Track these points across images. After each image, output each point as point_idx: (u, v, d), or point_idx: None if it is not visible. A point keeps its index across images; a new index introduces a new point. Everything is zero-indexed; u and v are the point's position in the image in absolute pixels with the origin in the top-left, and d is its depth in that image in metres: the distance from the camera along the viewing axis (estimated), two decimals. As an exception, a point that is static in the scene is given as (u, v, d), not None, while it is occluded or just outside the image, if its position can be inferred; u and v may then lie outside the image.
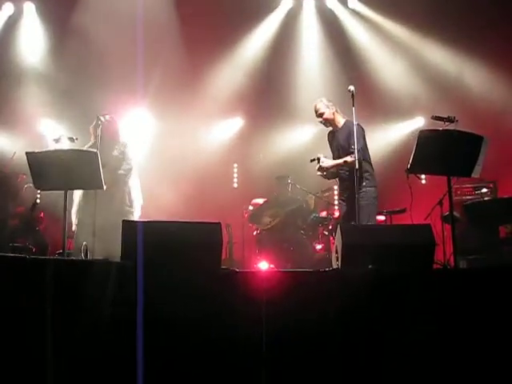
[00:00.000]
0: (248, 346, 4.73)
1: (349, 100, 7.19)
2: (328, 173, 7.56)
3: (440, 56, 11.41)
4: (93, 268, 4.82)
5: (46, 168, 6.51)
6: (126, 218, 7.09)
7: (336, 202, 11.13)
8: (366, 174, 7.16)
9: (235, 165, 12.72)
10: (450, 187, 6.36)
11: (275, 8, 11.96)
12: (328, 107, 7.52)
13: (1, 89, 11.35)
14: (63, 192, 6.63)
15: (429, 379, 4.78)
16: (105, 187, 6.81)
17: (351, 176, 7.20)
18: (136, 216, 7.94)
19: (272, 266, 9.62)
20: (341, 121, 7.52)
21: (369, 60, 11.76)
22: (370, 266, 5.08)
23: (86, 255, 6.79)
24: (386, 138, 11.66)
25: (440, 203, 8.60)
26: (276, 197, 10.76)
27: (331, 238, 9.61)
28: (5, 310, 4.49)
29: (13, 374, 4.43)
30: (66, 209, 6.57)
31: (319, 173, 7.55)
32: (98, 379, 4.58)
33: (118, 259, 5.23)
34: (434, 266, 5.69)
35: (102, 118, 7.65)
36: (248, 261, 10.64)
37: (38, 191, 9.52)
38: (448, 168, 6.28)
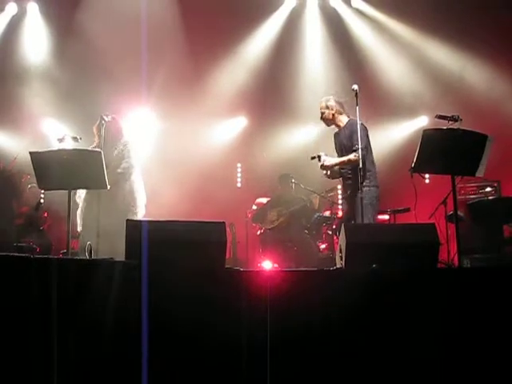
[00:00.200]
0: (252, 346, 4.73)
1: (352, 99, 7.19)
2: (332, 172, 7.55)
3: (444, 55, 11.39)
4: (97, 267, 4.82)
5: (50, 168, 6.52)
6: (128, 217, 7.10)
7: (340, 202, 11.16)
8: (367, 174, 7.09)
9: (239, 164, 12.72)
10: (454, 186, 6.35)
11: (278, 7, 11.95)
12: (328, 107, 7.50)
13: (4, 88, 11.36)
14: (67, 192, 6.64)
15: (433, 378, 4.77)
16: (109, 187, 6.82)
17: (353, 175, 7.22)
18: (140, 215, 7.92)
19: (276, 265, 9.63)
20: (344, 120, 7.49)
21: (372, 59, 11.75)
22: (374, 266, 5.07)
23: (90, 255, 6.79)
24: (390, 137, 11.65)
25: (444, 202, 8.60)
26: (280, 196, 10.76)
27: (335, 238, 9.60)
28: (9, 310, 4.50)
29: (18, 374, 4.44)
30: (69, 208, 6.57)
31: (324, 172, 7.56)
32: (103, 378, 4.58)
33: (122, 258, 5.23)
34: (438, 266, 5.69)
35: (105, 118, 7.64)
36: (252, 260, 10.65)
37: (42, 191, 9.54)
38: (452, 167, 6.28)
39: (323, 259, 9.78)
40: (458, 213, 6.62)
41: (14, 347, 4.45)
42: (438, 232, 5.55)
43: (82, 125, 9.63)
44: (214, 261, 5.10)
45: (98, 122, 7.73)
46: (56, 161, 6.55)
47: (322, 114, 7.56)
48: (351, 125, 7.27)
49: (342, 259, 5.46)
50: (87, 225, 7.68)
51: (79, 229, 7.83)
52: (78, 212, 7.83)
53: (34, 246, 9.55)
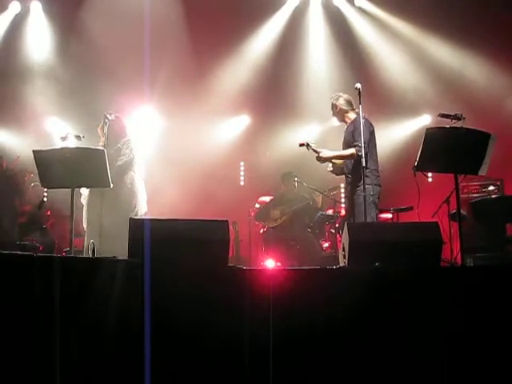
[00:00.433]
0: (255, 345, 4.73)
1: (356, 97, 7.20)
2: (335, 168, 7.56)
3: (447, 53, 11.39)
4: (100, 265, 4.82)
5: (53, 166, 6.52)
6: (129, 216, 7.12)
7: (343, 200, 11.16)
8: (366, 171, 7.04)
9: (242, 163, 12.73)
10: (457, 185, 6.35)
11: (281, 6, 11.95)
12: (336, 106, 7.56)
13: (8, 87, 11.37)
14: (70, 190, 6.65)
15: (436, 377, 4.77)
16: (112, 185, 6.83)
17: (352, 172, 7.24)
18: (140, 213, 7.91)
19: (279, 263, 9.63)
20: (351, 117, 7.48)
21: (375, 57, 11.75)
22: (376, 264, 5.07)
23: (93, 254, 6.80)
24: (393, 136, 11.65)
25: (447, 201, 8.59)
26: (283, 194, 10.76)
27: (338, 236, 9.60)
28: (12, 308, 4.50)
29: (20, 373, 4.44)
30: (72, 207, 6.58)
31: (329, 168, 7.58)
32: (105, 377, 4.58)
33: (124, 257, 5.24)
34: (442, 264, 5.68)
35: (108, 117, 7.64)
36: (255, 258, 10.65)
37: (45, 189, 9.55)
38: (455, 166, 6.27)
39: (326, 258, 9.78)
40: (461, 211, 6.61)
41: (16, 346, 4.45)
42: (441, 231, 5.54)
43: (85, 123, 9.65)
44: (217, 259, 5.10)
45: (101, 123, 7.73)
46: (59, 159, 6.55)
47: (332, 111, 7.62)
48: (356, 121, 7.27)
49: (344, 258, 5.46)
50: (90, 224, 7.70)
51: (85, 225, 7.83)
52: (84, 210, 7.84)
53: (37, 244, 9.58)
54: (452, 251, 8.26)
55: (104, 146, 7.25)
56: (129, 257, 5.11)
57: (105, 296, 4.62)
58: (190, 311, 4.67)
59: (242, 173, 12.75)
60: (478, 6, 10.62)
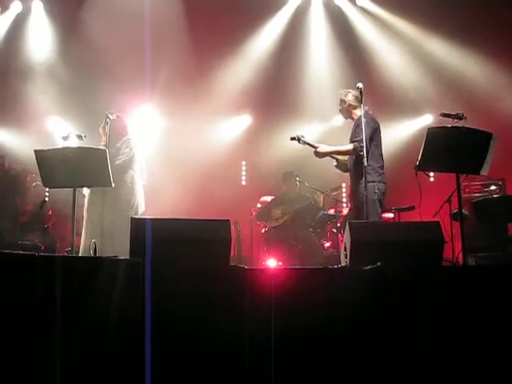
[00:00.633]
0: (256, 345, 4.72)
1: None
2: (340, 164, 7.51)
3: (449, 53, 11.38)
4: (101, 265, 4.82)
5: (55, 166, 6.52)
6: (129, 216, 7.13)
7: (344, 200, 11.17)
8: (368, 168, 6.97)
9: (243, 162, 12.74)
10: (458, 184, 6.34)
11: (283, 5, 11.94)
12: (344, 101, 7.50)
13: (9, 87, 11.38)
14: (71, 190, 6.65)
15: (438, 377, 4.77)
16: (113, 185, 6.83)
17: (354, 169, 7.22)
18: (140, 211, 7.89)
19: (280, 263, 9.62)
20: (358, 113, 7.37)
21: (377, 57, 11.75)
22: (378, 264, 5.06)
23: (95, 253, 6.80)
24: (395, 136, 11.65)
25: (449, 201, 8.59)
26: (284, 194, 10.76)
27: (340, 236, 9.60)
28: (14, 308, 4.50)
29: (21, 373, 4.44)
30: (74, 206, 6.58)
31: (334, 163, 7.55)
32: (105, 377, 4.58)
33: (125, 256, 5.24)
34: (443, 264, 5.68)
35: (110, 116, 7.64)
36: (256, 258, 10.65)
37: (47, 189, 9.55)
38: (457, 165, 6.26)
39: (328, 257, 9.78)
40: (463, 211, 6.61)
41: (17, 345, 4.45)
42: (443, 230, 5.55)
43: (87, 123, 9.66)
44: (219, 259, 5.10)
45: (103, 123, 7.72)
46: (60, 159, 6.55)
47: (340, 106, 7.59)
48: (360, 118, 7.20)
49: (346, 257, 5.46)
50: (92, 223, 7.68)
51: (84, 225, 7.82)
52: (84, 210, 7.84)
53: (39, 244, 9.58)
54: (454, 251, 8.26)
55: (106, 146, 7.25)
56: (130, 256, 5.11)
57: (106, 295, 4.62)
58: (191, 310, 4.67)
59: (243, 172, 12.76)
60: (479, 5, 10.61)
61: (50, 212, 10.44)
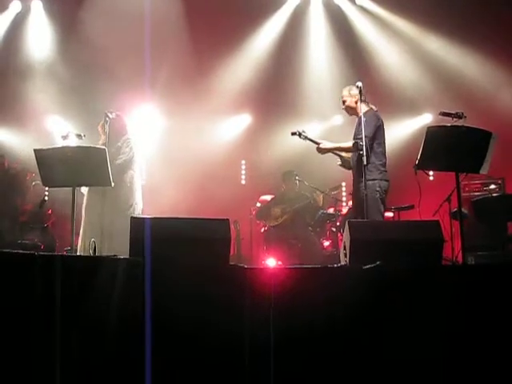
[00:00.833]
0: (255, 344, 4.72)
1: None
2: (345, 162, 7.48)
3: (448, 52, 11.39)
4: (101, 264, 4.82)
5: (54, 165, 6.52)
6: (126, 214, 7.14)
7: (344, 199, 11.17)
8: (370, 166, 6.97)
9: (243, 161, 12.75)
10: (458, 183, 6.35)
11: (282, 5, 11.95)
12: (351, 96, 7.41)
13: (9, 86, 11.39)
14: (71, 189, 6.65)
15: (438, 377, 4.77)
16: (113, 184, 6.83)
17: (355, 166, 7.20)
18: (138, 211, 7.89)
19: (280, 262, 9.62)
20: (363, 109, 7.26)
21: (376, 56, 11.76)
22: (378, 263, 5.06)
23: (94, 252, 6.80)
24: (394, 135, 11.63)
25: (448, 200, 8.60)
26: (284, 193, 10.76)
27: (339, 235, 9.61)
28: (13, 307, 4.50)
29: (21, 373, 4.44)
30: (74, 206, 6.58)
31: (338, 162, 7.53)
32: (105, 377, 4.58)
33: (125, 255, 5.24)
34: (443, 263, 5.68)
35: (109, 115, 7.63)
36: (256, 257, 10.66)
37: (46, 188, 9.55)
38: (456, 164, 6.27)
39: (327, 256, 9.80)
40: (462, 210, 6.61)
41: (17, 345, 4.45)
42: (443, 229, 5.54)
43: (86, 122, 9.66)
44: (218, 258, 5.10)
45: (102, 121, 7.72)
46: (60, 158, 6.55)
47: (344, 102, 7.49)
48: (365, 115, 7.18)
49: (346, 256, 5.46)
50: (91, 223, 7.67)
51: (82, 224, 7.82)
52: (83, 209, 7.83)
53: (38, 243, 9.57)
54: (453, 250, 8.26)
55: (105, 145, 7.24)
56: (130, 255, 5.11)
57: (106, 295, 4.61)
58: (191, 310, 4.67)
59: (243, 172, 12.76)
60: (478, 4, 10.62)
61: (50, 211, 10.44)
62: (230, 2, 11.36)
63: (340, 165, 7.58)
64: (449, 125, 6.28)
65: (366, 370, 4.75)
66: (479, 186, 10.31)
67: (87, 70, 11.08)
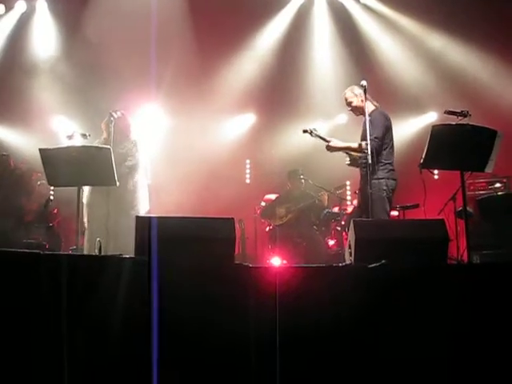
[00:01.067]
0: (261, 344, 4.72)
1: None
2: (353, 161, 7.43)
3: (452, 50, 11.37)
4: (106, 263, 4.83)
5: (59, 164, 6.55)
6: (132, 214, 7.15)
7: (349, 198, 11.16)
8: (378, 165, 6.97)
9: (248, 161, 12.74)
10: (463, 182, 6.34)
11: (287, 4, 11.95)
12: (356, 95, 7.36)
13: (14, 86, 11.39)
14: (76, 188, 6.66)
15: (443, 376, 4.76)
16: (118, 183, 6.84)
17: (364, 166, 7.18)
18: (142, 211, 7.89)
19: (285, 261, 9.63)
20: (370, 108, 7.26)
21: (380, 54, 11.75)
22: (383, 261, 5.06)
23: (99, 251, 6.81)
24: (399, 133, 11.60)
25: (453, 198, 8.58)
26: (288, 192, 10.77)
27: (344, 234, 9.60)
28: (19, 307, 4.51)
29: (28, 372, 4.44)
30: (79, 205, 6.59)
31: (347, 162, 7.49)
32: (111, 377, 4.58)
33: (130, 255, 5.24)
34: (448, 262, 5.67)
35: (114, 114, 7.64)
36: (261, 256, 10.66)
37: (52, 188, 9.57)
38: (461, 163, 6.26)
39: (332, 255, 9.80)
40: (468, 209, 6.60)
41: (24, 344, 4.46)
42: (448, 228, 5.54)
43: (91, 122, 9.65)
44: (223, 257, 5.10)
45: (106, 119, 7.73)
46: (65, 158, 6.57)
47: (351, 103, 7.43)
48: (371, 114, 7.12)
49: (351, 255, 5.46)
50: (96, 223, 7.68)
51: (85, 224, 7.82)
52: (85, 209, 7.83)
53: (43, 242, 9.58)
54: (458, 248, 8.24)
55: (109, 144, 7.24)
56: (135, 254, 5.11)
57: (111, 294, 4.62)
58: (196, 310, 4.67)
59: (247, 171, 12.76)
60: (482, 1, 10.60)
61: (56, 211, 10.45)
62: (235, 2, 11.36)
63: (348, 164, 7.51)
64: (454, 123, 6.28)
65: (371, 368, 4.75)
66: (484, 184, 10.28)
67: (92, 69, 11.09)
